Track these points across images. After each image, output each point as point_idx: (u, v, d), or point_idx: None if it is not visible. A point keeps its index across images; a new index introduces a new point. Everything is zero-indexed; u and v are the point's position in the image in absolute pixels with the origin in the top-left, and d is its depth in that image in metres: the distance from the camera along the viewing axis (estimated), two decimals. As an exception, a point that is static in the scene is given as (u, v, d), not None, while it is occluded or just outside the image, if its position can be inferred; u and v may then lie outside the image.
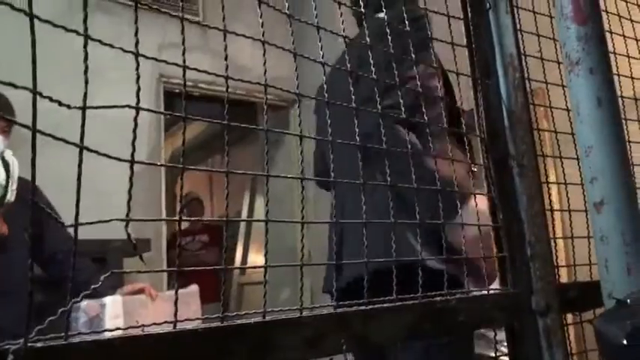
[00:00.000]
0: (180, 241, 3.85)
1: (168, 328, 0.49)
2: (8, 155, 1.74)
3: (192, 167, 0.58)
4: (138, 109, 0.49)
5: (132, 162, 0.48)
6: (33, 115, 0.42)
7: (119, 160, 0.47)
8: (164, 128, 3.13)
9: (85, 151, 0.44)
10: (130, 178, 0.48)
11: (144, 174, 2.99)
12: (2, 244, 1.80)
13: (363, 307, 0.62)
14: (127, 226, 0.46)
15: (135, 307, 2.01)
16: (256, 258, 4.27)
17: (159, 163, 2.88)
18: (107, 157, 0.46)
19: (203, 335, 0.50)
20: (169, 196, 3.81)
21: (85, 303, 1.87)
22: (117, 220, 0.47)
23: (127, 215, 0.47)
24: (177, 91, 3.18)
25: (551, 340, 0.77)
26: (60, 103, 0.42)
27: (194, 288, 2.57)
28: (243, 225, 4.12)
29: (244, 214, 4.17)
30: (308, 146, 0.82)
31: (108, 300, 1.90)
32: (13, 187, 1.68)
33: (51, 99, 0.42)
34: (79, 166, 0.44)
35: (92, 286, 0.50)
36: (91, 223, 0.45)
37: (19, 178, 1.88)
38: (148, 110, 0.54)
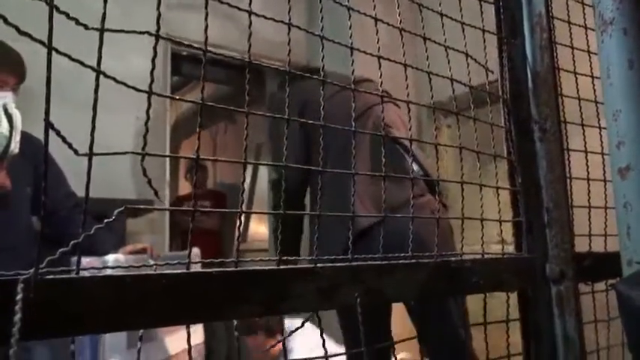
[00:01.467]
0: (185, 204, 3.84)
1: (181, 269, 0.48)
2: (11, 107, 1.71)
3: (205, 158, 0.56)
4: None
5: (149, 92, 0.46)
6: (48, 69, 0.39)
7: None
8: (170, 91, 3.08)
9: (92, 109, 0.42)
10: (146, 123, 0.46)
11: (148, 138, 2.97)
12: (5, 198, 1.79)
13: (377, 262, 0.61)
14: (142, 159, 0.45)
15: (135, 263, 2.01)
16: (257, 228, 4.27)
17: (166, 153, 2.86)
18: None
19: (218, 279, 0.49)
20: (173, 160, 3.79)
21: (87, 260, 1.87)
22: (133, 153, 0.45)
23: (143, 149, 0.45)
24: (184, 53, 3.12)
25: (563, 308, 0.76)
26: (82, 64, 0.40)
27: (195, 250, 2.58)
28: (245, 195, 4.09)
29: (247, 182, 4.15)
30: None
31: (110, 257, 1.90)
32: (17, 138, 1.66)
33: (70, 58, 0.40)
34: (96, 91, 0.41)
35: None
36: (107, 154, 0.43)
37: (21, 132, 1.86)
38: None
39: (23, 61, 1.81)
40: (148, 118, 0.46)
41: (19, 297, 0.38)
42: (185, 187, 4.44)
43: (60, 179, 1.87)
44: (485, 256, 0.73)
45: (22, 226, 1.86)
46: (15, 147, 1.67)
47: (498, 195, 0.77)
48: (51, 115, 0.40)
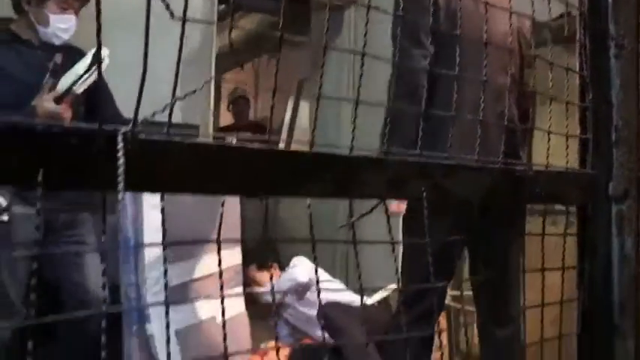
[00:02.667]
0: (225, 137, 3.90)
1: (262, 146, 0.50)
2: (105, 53, 1.71)
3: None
4: None
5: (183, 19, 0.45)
6: None
7: None
8: (216, 19, 3.06)
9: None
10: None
11: (193, 64, 2.99)
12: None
13: (445, 161, 0.61)
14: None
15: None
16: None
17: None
18: None
19: (294, 157, 0.51)
20: (216, 90, 3.82)
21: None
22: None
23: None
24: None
25: (623, 227, 0.76)
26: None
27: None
28: (286, 122, 4.10)
29: (287, 117, 4.16)
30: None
31: None
32: (87, 81, 1.68)
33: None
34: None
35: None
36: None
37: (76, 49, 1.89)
38: None
39: None
40: (182, 44, 0.45)
41: (120, 146, 0.40)
42: (227, 118, 4.49)
43: (109, 100, 1.92)
44: (549, 169, 0.73)
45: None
46: (79, 88, 1.70)
47: (567, 110, 0.75)
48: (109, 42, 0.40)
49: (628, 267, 0.75)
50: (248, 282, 2.76)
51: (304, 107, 4.16)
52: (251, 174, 0.48)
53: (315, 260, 0.56)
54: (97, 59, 0.49)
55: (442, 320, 2.52)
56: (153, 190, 0.43)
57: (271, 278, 2.76)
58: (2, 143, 0.37)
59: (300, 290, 2.58)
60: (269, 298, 2.71)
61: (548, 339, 0.73)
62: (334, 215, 3.11)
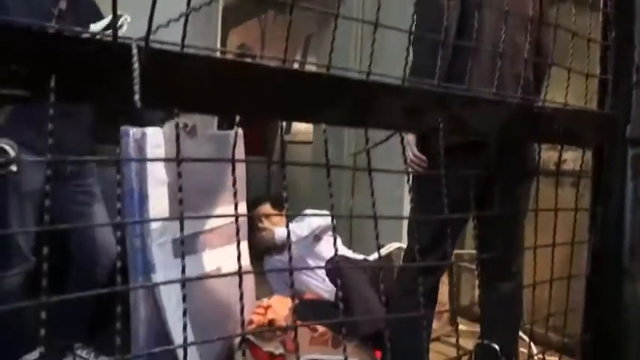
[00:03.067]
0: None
1: (277, 63, 0.48)
2: (124, 20, 1.66)
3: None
4: None
5: None
6: None
7: None
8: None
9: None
10: None
11: (199, 19, 2.94)
12: None
13: (463, 93, 0.60)
14: None
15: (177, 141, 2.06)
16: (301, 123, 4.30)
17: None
18: None
19: (311, 78, 0.49)
20: (222, 44, 3.75)
21: (133, 130, 1.93)
22: None
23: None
24: None
25: (638, 171, 0.74)
26: None
27: (239, 131, 2.61)
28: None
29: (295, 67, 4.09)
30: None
31: (149, 130, 1.95)
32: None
33: None
34: None
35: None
36: None
37: None
38: None
39: None
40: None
41: (134, 56, 0.39)
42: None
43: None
44: (567, 107, 0.71)
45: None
46: None
47: (589, 47, 0.73)
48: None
49: (641, 210, 0.74)
50: (260, 219, 2.78)
51: (312, 60, 4.09)
52: (266, 93, 0.47)
53: (331, 197, 0.55)
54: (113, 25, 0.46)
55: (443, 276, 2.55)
56: (166, 105, 0.42)
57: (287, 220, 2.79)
58: (13, 45, 0.36)
59: (311, 240, 2.60)
60: (279, 239, 2.74)
61: (557, 278, 0.73)
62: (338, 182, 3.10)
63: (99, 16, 1.81)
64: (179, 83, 0.43)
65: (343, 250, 2.63)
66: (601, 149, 0.75)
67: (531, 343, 1.06)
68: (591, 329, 0.75)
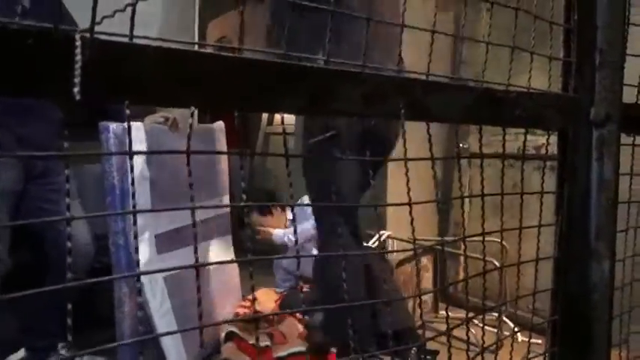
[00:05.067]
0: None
1: (232, 54, 0.48)
2: None
3: None
4: None
5: None
6: None
7: None
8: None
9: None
10: None
11: (176, 8, 2.91)
12: None
13: (424, 78, 0.60)
14: None
15: (158, 135, 2.04)
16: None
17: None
18: None
19: (266, 67, 0.49)
20: (201, 36, 3.71)
21: (114, 125, 1.90)
22: None
23: None
24: None
25: (603, 152, 0.75)
26: None
27: (220, 124, 2.59)
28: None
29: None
30: None
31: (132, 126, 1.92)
32: None
33: None
34: None
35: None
36: None
37: None
38: None
39: None
40: None
41: (78, 48, 0.38)
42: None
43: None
44: (531, 91, 0.71)
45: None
46: None
47: (551, 30, 0.74)
48: None
49: (607, 191, 0.75)
50: (256, 231, 2.81)
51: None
52: (220, 83, 0.47)
53: (290, 186, 0.55)
54: None
55: (426, 261, 2.58)
56: (115, 97, 0.41)
57: (288, 220, 2.81)
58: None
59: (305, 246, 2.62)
60: (280, 240, 2.77)
61: (526, 261, 0.74)
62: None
63: (66, 17, 1.77)
64: (128, 75, 0.42)
65: None
66: (566, 132, 0.75)
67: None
68: (559, 309, 0.76)
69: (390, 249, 2.71)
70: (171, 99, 0.45)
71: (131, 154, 0.45)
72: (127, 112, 0.42)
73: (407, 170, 0.56)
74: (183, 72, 0.44)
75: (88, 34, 0.39)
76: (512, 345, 0.75)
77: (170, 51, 0.44)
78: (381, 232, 2.82)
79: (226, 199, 2.55)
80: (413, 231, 0.58)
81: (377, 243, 2.72)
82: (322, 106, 0.53)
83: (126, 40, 0.42)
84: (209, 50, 0.45)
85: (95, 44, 0.39)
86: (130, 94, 0.42)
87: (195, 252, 0.51)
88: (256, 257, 0.47)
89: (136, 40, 0.42)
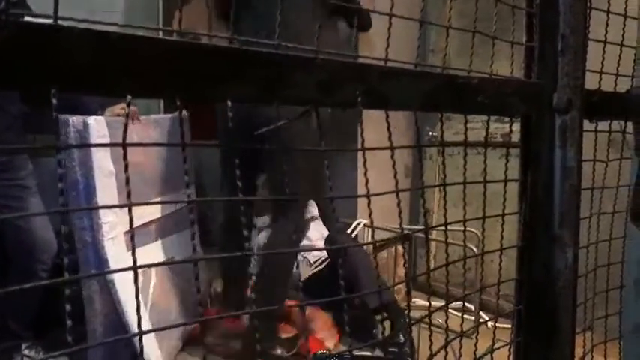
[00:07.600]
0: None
1: (178, 39, 0.44)
2: None
3: None
4: None
5: None
6: None
7: None
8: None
9: None
10: None
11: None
12: None
13: (382, 64, 0.57)
14: None
15: (119, 128, 1.98)
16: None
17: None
18: None
19: (212, 52, 0.46)
20: (165, 22, 3.61)
21: (73, 118, 1.83)
22: None
23: None
24: None
25: (566, 139, 0.74)
26: None
27: (184, 114, 2.52)
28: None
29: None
30: None
31: (91, 120, 1.85)
32: None
33: None
34: None
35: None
36: None
37: None
38: None
39: None
40: None
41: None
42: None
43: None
44: (493, 77, 0.70)
45: None
46: None
47: (514, 15, 0.72)
48: None
49: (570, 178, 0.75)
50: None
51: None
52: (160, 70, 0.43)
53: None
54: None
55: (400, 249, 2.59)
56: (38, 85, 0.38)
57: None
58: None
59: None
60: None
61: (489, 251, 0.73)
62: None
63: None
64: (53, 61, 0.38)
65: (324, 231, 2.63)
66: (529, 118, 0.74)
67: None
68: (524, 298, 0.75)
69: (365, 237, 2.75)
70: (104, 87, 0.41)
71: (125, 145, 0.42)
72: (54, 101, 0.38)
73: (365, 160, 0.54)
74: (117, 57, 0.41)
75: (3, 13, 0.35)
76: (476, 337, 0.74)
77: (100, 34, 0.40)
78: (359, 220, 2.84)
79: (192, 190, 2.50)
80: (372, 223, 0.56)
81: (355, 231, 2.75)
82: (273, 94, 0.50)
83: (50, 21, 0.38)
84: (141, 33, 0.41)
85: (10, 26, 0.35)
86: (56, 82, 0.38)
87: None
88: (201, 257, 0.44)
89: (62, 23, 0.38)
